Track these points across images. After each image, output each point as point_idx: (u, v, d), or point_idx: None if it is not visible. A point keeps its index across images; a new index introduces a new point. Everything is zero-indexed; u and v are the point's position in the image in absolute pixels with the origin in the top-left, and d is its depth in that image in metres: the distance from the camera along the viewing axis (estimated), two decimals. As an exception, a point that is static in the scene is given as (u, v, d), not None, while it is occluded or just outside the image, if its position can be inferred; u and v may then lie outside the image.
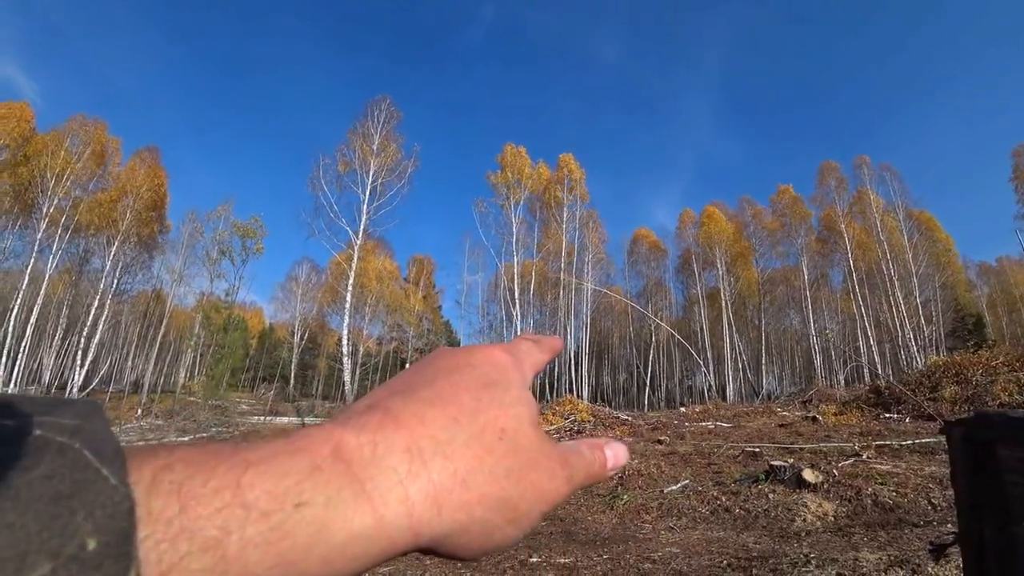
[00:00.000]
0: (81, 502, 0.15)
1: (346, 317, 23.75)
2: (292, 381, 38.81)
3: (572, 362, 32.76)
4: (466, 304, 40.32)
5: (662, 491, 7.21)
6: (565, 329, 34.10)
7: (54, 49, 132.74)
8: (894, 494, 5.46)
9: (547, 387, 35.88)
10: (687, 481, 7.49)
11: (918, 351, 27.61)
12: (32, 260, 24.73)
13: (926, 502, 5.20)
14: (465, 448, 0.23)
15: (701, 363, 30.28)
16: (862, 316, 30.20)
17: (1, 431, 0.15)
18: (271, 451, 0.20)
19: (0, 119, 24.60)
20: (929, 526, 4.55)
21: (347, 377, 22.86)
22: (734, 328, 34.27)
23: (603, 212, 75.72)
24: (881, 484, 5.72)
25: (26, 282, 24.19)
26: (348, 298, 24.02)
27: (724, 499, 6.42)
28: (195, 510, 0.17)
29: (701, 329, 35.24)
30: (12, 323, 23.85)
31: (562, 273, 32.59)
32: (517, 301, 32.13)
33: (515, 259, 32.97)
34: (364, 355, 35.87)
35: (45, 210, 24.86)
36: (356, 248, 24.66)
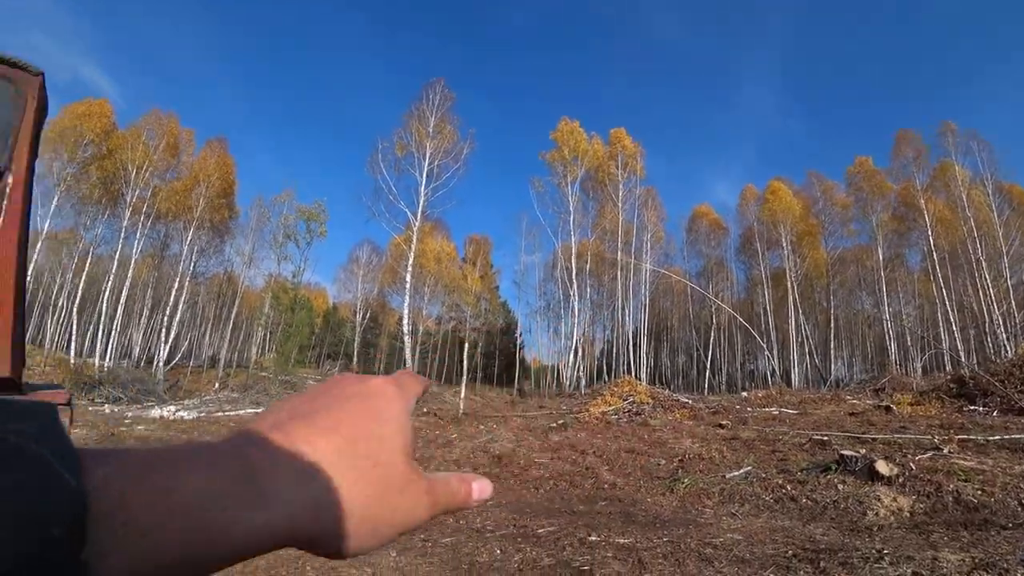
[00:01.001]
0: (48, 499, 0.19)
1: (407, 297, 24.31)
2: (355, 358, 40.30)
3: (630, 343, 32.37)
4: (523, 284, 40.57)
5: (724, 476, 7.09)
6: (623, 309, 33.71)
7: (123, 42, 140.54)
8: (979, 492, 5.14)
9: (604, 367, 35.69)
10: (750, 467, 7.33)
11: (1008, 339, 25.49)
12: (120, 246, 27.00)
13: (1016, 503, 4.87)
14: (345, 472, 0.29)
15: (764, 347, 29.30)
16: (943, 300, 28.08)
17: None
18: (200, 460, 0.25)
19: (85, 116, 26.44)
20: (1019, 529, 4.26)
21: (408, 355, 23.46)
22: (800, 311, 32.74)
23: (661, 189, 73.62)
24: (964, 481, 5.40)
25: (115, 266, 26.42)
26: (408, 279, 24.53)
27: (789, 488, 6.26)
28: (133, 506, 0.22)
29: (764, 311, 33.93)
30: (105, 304, 26.18)
31: (619, 253, 32.03)
32: (574, 281, 31.96)
33: (572, 238, 32.71)
34: (424, 334, 36.74)
35: (129, 199, 26.91)
36: (415, 230, 25.07)
